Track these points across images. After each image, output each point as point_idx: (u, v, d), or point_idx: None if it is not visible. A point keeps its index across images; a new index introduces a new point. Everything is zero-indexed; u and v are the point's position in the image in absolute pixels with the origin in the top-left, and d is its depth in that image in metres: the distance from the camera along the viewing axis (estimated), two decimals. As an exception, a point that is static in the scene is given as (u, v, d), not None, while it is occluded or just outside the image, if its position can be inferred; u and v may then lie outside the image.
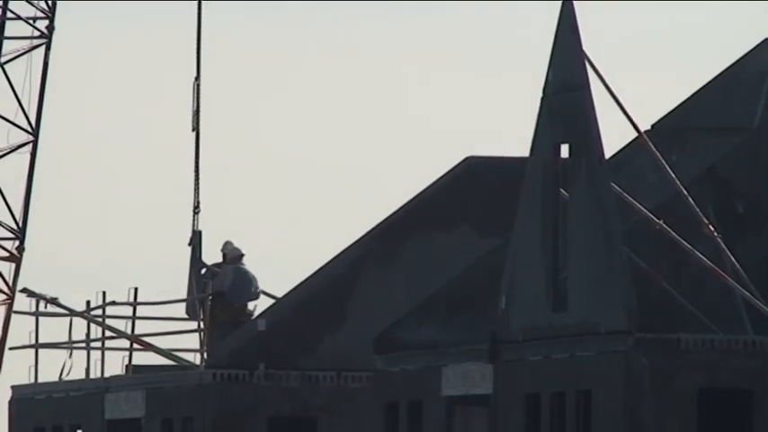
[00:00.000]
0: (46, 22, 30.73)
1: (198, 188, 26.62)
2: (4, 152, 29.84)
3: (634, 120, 21.16)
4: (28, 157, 28.48)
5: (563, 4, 20.02)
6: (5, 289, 27.44)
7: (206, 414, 26.65)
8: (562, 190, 19.97)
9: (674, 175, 20.14)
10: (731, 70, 23.35)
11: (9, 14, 31.12)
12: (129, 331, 28.18)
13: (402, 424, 23.73)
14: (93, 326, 27.88)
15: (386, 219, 27.23)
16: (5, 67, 30.29)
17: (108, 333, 27.85)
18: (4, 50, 31.50)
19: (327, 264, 25.77)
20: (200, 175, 27.73)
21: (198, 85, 28.96)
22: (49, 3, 31.96)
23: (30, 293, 27.06)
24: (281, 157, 70.75)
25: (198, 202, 28.06)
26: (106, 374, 29.21)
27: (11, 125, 29.06)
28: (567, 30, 20.19)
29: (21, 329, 29.42)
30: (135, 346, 28.27)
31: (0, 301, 27.83)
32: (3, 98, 30.48)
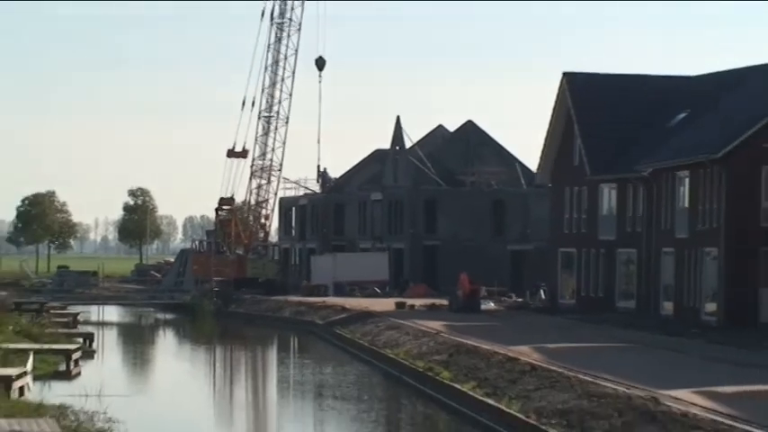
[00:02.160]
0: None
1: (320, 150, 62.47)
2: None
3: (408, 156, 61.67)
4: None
5: (396, 117, 61.88)
6: (276, 176, 63.20)
7: (319, 204, 61.53)
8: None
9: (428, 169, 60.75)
10: (433, 132, 67.29)
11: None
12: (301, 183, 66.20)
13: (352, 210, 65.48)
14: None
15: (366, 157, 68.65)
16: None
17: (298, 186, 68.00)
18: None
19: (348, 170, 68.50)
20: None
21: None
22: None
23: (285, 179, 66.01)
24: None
25: (319, 161, 62.21)
26: (300, 194, 64.43)
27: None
28: (399, 135, 61.07)
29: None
30: (301, 187, 64.20)
31: (274, 179, 61.09)
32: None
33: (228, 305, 50.22)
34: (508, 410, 18.70)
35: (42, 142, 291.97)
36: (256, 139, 58.69)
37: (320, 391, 26.81)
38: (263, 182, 59.57)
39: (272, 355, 37.83)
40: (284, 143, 60.51)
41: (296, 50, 59.63)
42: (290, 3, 59.06)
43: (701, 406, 16.23)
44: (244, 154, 58.86)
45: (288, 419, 24.20)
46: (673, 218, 38.78)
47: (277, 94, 59.47)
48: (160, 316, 51.40)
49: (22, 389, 21.54)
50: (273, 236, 69.94)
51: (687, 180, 36.88)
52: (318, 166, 63.67)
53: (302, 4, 58.93)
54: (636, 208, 41.03)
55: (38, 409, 17.12)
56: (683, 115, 41.19)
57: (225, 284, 53.00)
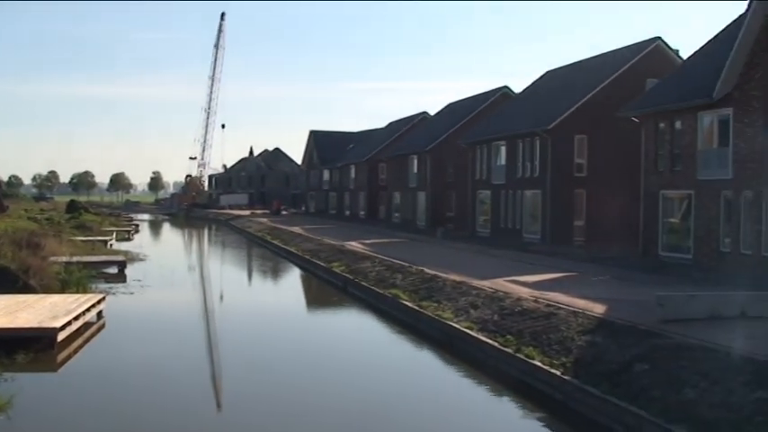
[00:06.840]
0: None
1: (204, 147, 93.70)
2: None
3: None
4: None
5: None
6: None
7: (224, 176, 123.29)
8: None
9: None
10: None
11: None
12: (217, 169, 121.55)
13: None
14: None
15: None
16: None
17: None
18: None
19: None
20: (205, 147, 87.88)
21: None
22: None
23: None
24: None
25: (223, 161, 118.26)
26: (216, 173, 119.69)
27: None
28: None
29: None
30: (216, 170, 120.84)
31: None
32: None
33: (190, 214, 76.76)
34: (291, 249, 29.57)
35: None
36: (203, 148, 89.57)
37: (223, 241, 40.61)
38: (202, 168, 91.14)
39: (205, 229, 52.38)
40: (212, 147, 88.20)
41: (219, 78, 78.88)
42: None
43: (360, 247, 26.38)
44: (195, 158, 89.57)
45: (213, 247, 39.91)
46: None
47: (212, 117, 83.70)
48: (163, 217, 77.84)
49: (111, 245, 30.39)
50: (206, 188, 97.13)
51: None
52: (224, 165, 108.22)
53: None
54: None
55: (117, 253, 26.60)
56: (351, 146, 59.33)
57: (188, 206, 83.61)
